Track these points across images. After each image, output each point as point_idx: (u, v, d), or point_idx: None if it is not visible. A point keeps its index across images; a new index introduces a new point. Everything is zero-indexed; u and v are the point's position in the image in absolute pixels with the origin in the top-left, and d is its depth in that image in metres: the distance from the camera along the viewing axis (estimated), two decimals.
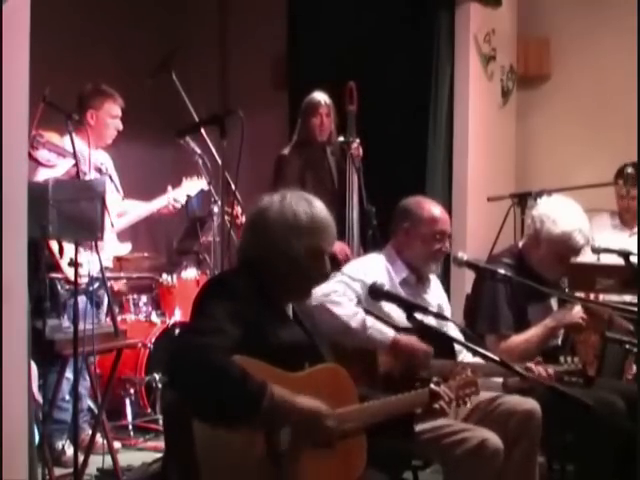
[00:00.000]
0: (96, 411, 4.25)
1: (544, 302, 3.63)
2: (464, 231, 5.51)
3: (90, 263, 4.14)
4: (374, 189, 5.01)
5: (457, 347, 3.22)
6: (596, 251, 4.02)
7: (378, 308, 3.16)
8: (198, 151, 4.98)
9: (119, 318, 4.91)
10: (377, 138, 5.32)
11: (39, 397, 3.67)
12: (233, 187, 3.85)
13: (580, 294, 3.76)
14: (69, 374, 4.15)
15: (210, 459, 2.17)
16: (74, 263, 3.65)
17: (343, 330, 3.07)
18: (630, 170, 4.75)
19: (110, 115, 4.62)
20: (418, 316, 2.87)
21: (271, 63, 6.68)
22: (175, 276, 5.46)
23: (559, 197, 3.90)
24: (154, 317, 5.31)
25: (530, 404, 3.09)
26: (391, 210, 3.50)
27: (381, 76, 5.69)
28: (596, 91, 5.70)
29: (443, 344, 3.13)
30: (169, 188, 4.96)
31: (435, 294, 3.48)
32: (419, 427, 2.83)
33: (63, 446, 4.35)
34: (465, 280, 4.58)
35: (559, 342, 3.62)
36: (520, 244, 3.76)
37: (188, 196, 5.04)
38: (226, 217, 4.03)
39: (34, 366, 3.52)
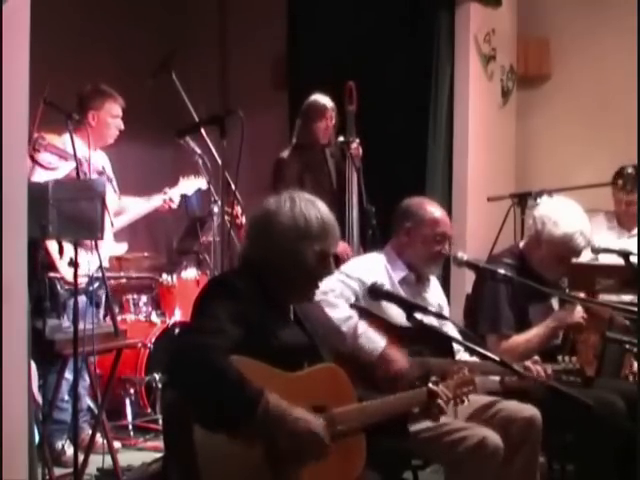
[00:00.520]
0: (96, 411, 4.25)
1: (545, 302, 3.63)
2: (464, 231, 5.51)
3: (90, 263, 4.14)
4: (374, 189, 5.01)
5: (456, 347, 3.22)
6: (596, 251, 4.03)
7: (378, 307, 3.16)
8: (198, 151, 4.98)
9: (119, 318, 4.90)
10: (377, 138, 5.32)
11: (39, 397, 3.67)
12: (233, 187, 3.85)
13: (580, 294, 3.76)
14: (68, 374, 4.15)
15: (209, 459, 2.17)
16: (74, 263, 3.64)
17: (333, 332, 3.05)
18: (630, 170, 4.75)
19: (111, 115, 4.62)
20: (418, 316, 2.88)
21: (271, 63, 6.68)
22: (175, 276, 5.46)
23: (560, 198, 3.91)
24: (154, 317, 5.31)
25: (531, 411, 3.08)
26: (391, 210, 3.50)
27: (381, 76, 5.69)
28: (596, 91, 5.70)
29: (442, 343, 3.13)
30: (166, 189, 4.95)
31: (435, 294, 3.48)
32: (418, 426, 2.84)
33: (63, 446, 4.35)
34: (465, 280, 4.58)
35: (559, 342, 3.62)
36: (521, 244, 3.76)
37: (184, 195, 5.03)
38: (226, 217, 4.03)
39: (34, 366, 3.53)
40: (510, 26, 5.99)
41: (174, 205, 4.98)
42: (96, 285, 4.28)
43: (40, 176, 4.04)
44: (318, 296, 3.02)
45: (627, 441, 3.20)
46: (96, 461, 4.01)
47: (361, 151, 5.03)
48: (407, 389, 2.67)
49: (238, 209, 4.56)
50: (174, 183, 5.03)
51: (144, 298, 5.44)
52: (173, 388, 2.29)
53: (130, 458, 4.41)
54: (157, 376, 5.02)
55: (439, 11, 5.66)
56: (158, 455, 4.30)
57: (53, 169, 4.10)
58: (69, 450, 4.29)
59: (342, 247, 4.68)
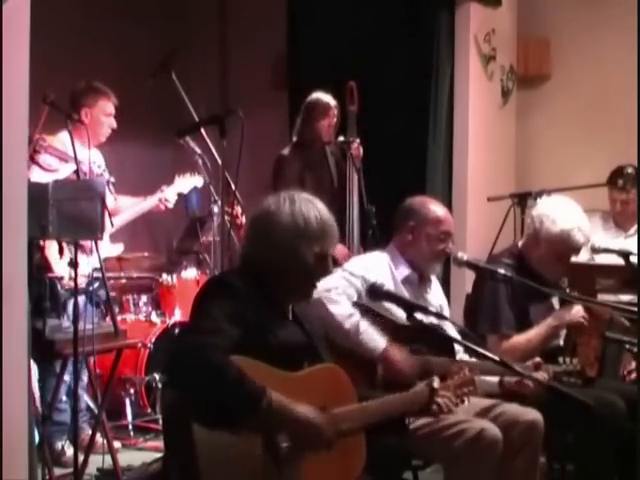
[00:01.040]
0: (96, 411, 4.24)
1: (545, 302, 3.63)
2: (464, 231, 5.51)
3: (88, 264, 4.14)
4: (374, 189, 5.01)
5: (456, 347, 3.22)
6: (596, 251, 4.03)
7: (378, 307, 3.16)
8: (198, 151, 4.98)
9: (119, 318, 4.90)
10: (377, 138, 5.32)
11: (37, 397, 3.67)
12: (233, 187, 3.85)
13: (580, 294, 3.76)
14: (66, 376, 4.15)
15: (209, 459, 2.17)
16: (74, 263, 3.64)
17: (335, 329, 3.06)
18: (630, 170, 4.75)
19: (104, 113, 4.58)
20: (418, 316, 2.88)
21: (271, 63, 6.68)
22: (175, 276, 5.45)
23: (558, 197, 3.91)
24: (154, 317, 5.31)
25: (533, 414, 3.08)
26: (391, 210, 3.50)
27: (381, 76, 5.69)
28: (596, 91, 5.70)
29: (443, 344, 3.13)
30: (163, 187, 4.95)
31: (436, 294, 3.48)
32: (416, 423, 2.84)
33: (63, 446, 4.35)
34: (465, 280, 4.58)
35: (561, 342, 3.62)
36: (520, 244, 3.76)
37: (181, 194, 5.03)
38: (226, 217, 4.03)
39: (34, 366, 3.52)
40: (510, 26, 5.99)
41: (170, 205, 4.97)
42: (96, 285, 4.28)
43: (40, 178, 4.04)
44: (321, 293, 3.03)
45: (627, 441, 3.20)
46: (96, 461, 4.01)
47: (361, 151, 5.03)
48: (408, 388, 2.67)
49: (238, 209, 4.56)
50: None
51: (144, 298, 5.44)
52: (173, 388, 2.29)
53: (130, 458, 4.41)
54: (157, 376, 5.02)
55: (439, 11, 5.65)
56: (158, 455, 4.30)
57: (53, 171, 4.10)
58: (69, 450, 4.29)
59: (339, 248, 4.66)
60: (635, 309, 3.47)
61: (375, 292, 3.01)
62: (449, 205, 5.40)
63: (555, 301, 3.68)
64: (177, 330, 5.15)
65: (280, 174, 5.04)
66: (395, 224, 3.45)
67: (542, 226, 3.57)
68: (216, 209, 5.03)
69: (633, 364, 3.74)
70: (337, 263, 3.34)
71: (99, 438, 4.15)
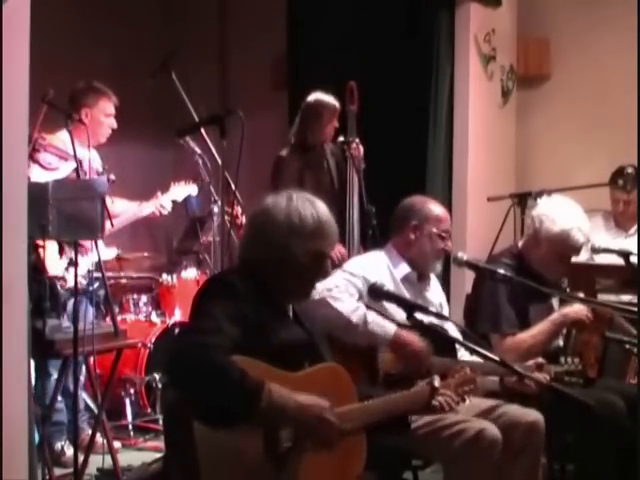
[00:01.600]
0: (96, 411, 4.24)
1: (545, 302, 3.63)
2: (464, 231, 5.51)
3: (87, 265, 4.14)
4: (374, 189, 5.01)
5: (457, 346, 3.22)
6: (596, 251, 4.02)
7: (379, 306, 3.16)
8: (198, 151, 4.98)
9: (119, 318, 4.90)
10: (377, 138, 5.32)
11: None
12: (233, 187, 3.85)
13: (581, 294, 3.76)
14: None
15: (210, 459, 2.17)
16: (74, 263, 3.64)
17: (344, 325, 3.07)
18: (630, 170, 4.75)
19: (104, 113, 4.56)
20: (418, 315, 2.88)
21: (271, 63, 6.68)
22: (175, 276, 5.46)
23: (558, 197, 3.91)
24: (154, 317, 5.31)
25: (534, 416, 3.08)
26: (391, 210, 3.50)
27: (381, 76, 5.68)
28: (596, 91, 5.70)
29: (443, 343, 3.13)
30: (158, 194, 4.93)
31: (435, 293, 3.49)
32: (416, 422, 2.84)
33: (62, 446, 4.35)
34: (465, 280, 4.58)
35: (560, 343, 3.62)
36: (520, 244, 3.76)
37: (174, 201, 5.02)
38: (226, 217, 4.03)
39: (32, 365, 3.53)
40: (510, 26, 5.99)
41: (165, 212, 4.96)
42: (96, 285, 4.28)
43: (40, 176, 4.04)
44: (323, 293, 3.04)
45: (627, 441, 3.20)
46: (96, 461, 4.01)
47: (362, 151, 5.02)
48: (410, 385, 2.67)
49: (238, 209, 4.56)
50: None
51: (144, 298, 5.44)
52: (173, 388, 2.29)
53: (130, 458, 4.41)
54: (157, 376, 5.02)
55: (439, 11, 5.65)
56: (158, 455, 4.31)
57: (53, 169, 4.10)
58: (69, 450, 4.29)
59: (335, 249, 4.65)
60: (635, 309, 3.47)
61: (376, 292, 3.01)
62: (449, 205, 5.41)
63: (555, 301, 3.68)
64: (177, 330, 5.15)
65: (279, 175, 5.03)
66: (395, 224, 3.45)
67: (542, 226, 3.57)
68: (216, 209, 5.03)
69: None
70: (334, 264, 3.35)
71: (99, 438, 4.15)
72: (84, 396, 4.53)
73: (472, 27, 5.66)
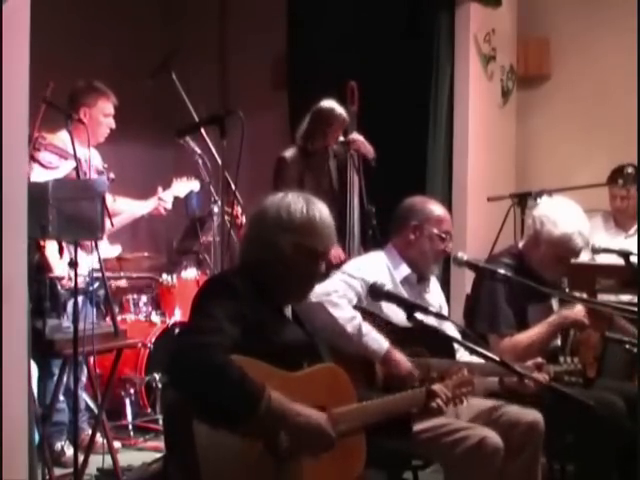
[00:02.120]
0: (96, 411, 4.24)
1: (544, 303, 3.62)
2: (464, 231, 5.51)
3: (88, 264, 4.14)
4: (374, 189, 5.01)
5: (455, 347, 3.22)
6: (596, 251, 4.02)
7: (378, 308, 3.16)
8: (198, 151, 4.98)
9: (119, 318, 4.90)
10: (377, 138, 5.32)
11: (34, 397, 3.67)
12: (233, 187, 3.85)
13: (581, 294, 3.76)
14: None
15: (210, 459, 2.17)
16: (74, 263, 3.64)
17: (338, 333, 3.05)
18: (630, 170, 4.75)
19: (103, 113, 4.55)
20: (418, 316, 2.88)
21: (271, 63, 6.68)
22: (175, 276, 5.46)
23: (560, 198, 3.90)
24: (154, 317, 5.31)
25: (533, 416, 3.07)
26: (391, 210, 3.49)
27: (381, 76, 5.69)
28: (596, 91, 5.70)
29: (443, 344, 3.13)
30: (159, 189, 4.94)
31: (435, 294, 3.48)
32: (418, 427, 2.84)
33: (62, 446, 4.35)
34: (465, 280, 4.58)
35: (559, 343, 3.62)
36: (520, 244, 3.76)
37: (177, 197, 5.02)
38: (226, 217, 4.03)
39: (33, 366, 3.52)
40: (510, 26, 5.99)
41: (167, 206, 4.96)
42: (96, 285, 4.28)
43: (40, 175, 4.04)
44: (321, 297, 3.03)
45: (627, 441, 3.20)
46: (96, 461, 4.01)
47: (369, 146, 5.02)
48: (407, 389, 2.67)
49: (238, 209, 4.56)
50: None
51: (144, 298, 5.44)
52: (173, 388, 2.29)
53: (130, 458, 4.42)
54: (157, 376, 5.02)
55: (439, 11, 5.65)
56: (158, 455, 4.31)
57: (53, 168, 4.10)
58: (69, 450, 4.29)
59: (334, 252, 4.65)
60: (635, 309, 3.47)
61: (376, 292, 3.01)
62: (449, 205, 5.40)
63: (554, 302, 3.67)
64: (177, 330, 5.15)
65: (281, 176, 5.03)
66: (395, 224, 3.45)
67: (543, 228, 3.56)
68: (216, 209, 5.03)
69: None
70: (331, 266, 3.35)
71: (99, 438, 4.15)
72: (84, 396, 4.53)
73: (472, 27, 5.66)
